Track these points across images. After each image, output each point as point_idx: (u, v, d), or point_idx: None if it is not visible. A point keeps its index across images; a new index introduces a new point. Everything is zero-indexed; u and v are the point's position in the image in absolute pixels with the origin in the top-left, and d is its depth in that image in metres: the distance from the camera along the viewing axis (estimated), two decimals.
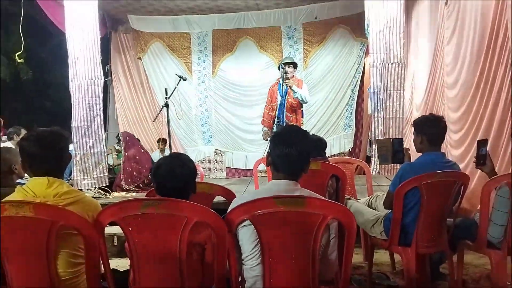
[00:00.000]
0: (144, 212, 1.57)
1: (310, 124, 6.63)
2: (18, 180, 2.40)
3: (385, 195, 2.86)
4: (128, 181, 5.21)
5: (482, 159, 2.57)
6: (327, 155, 5.31)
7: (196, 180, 1.91)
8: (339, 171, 2.85)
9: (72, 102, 4.72)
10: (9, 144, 5.18)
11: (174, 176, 1.75)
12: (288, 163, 1.69)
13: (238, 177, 7.18)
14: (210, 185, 2.35)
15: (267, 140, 5.09)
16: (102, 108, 4.85)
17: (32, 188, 1.74)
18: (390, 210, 2.61)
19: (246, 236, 1.65)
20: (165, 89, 4.80)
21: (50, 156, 1.78)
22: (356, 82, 6.89)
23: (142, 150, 5.42)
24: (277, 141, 1.73)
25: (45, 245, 1.62)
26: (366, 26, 4.95)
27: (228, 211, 1.66)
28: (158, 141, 6.96)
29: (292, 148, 1.67)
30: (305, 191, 1.68)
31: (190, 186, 1.81)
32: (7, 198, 1.73)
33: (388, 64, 4.30)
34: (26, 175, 2.32)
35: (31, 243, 1.65)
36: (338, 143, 6.94)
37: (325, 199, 1.66)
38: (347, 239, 1.63)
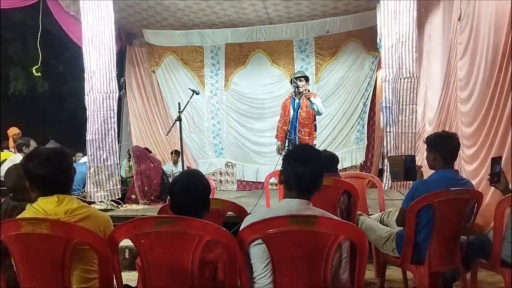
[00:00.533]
0: (157, 230, 1.59)
1: (321, 137, 6.63)
2: None
3: (397, 211, 2.85)
4: (141, 195, 5.27)
5: (496, 177, 2.55)
6: (338, 169, 5.31)
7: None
8: (351, 187, 2.85)
9: (87, 115, 4.81)
10: (19, 156, 5.25)
11: (189, 193, 1.78)
12: (301, 182, 1.71)
13: (249, 190, 7.20)
14: (223, 201, 2.38)
15: (280, 154, 5.10)
16: (116, 122, 4.93)
17: (42, 206, 1.76)
18: (403, 227, 2.59)
19: (258, 254, 1.66)
20: (178, 103, 4.86)
21: (58, 177, 1.80)
22: (368, 95, 6.89)
23: (152, 165, 5.48)
24: (290, 159, 1.75)
25: (60, 261, 1.65)
26: (378, 41, 4.98)
27: (240, 230, 1.67)
28: (172, 153, 7.03)
29: (305, 167, 1.69)
30: (317, 211, 1.69)
31: (204, 204, 1.83)
32: (19, 216, 1.76)
33: (401, 78, 4.31)
34: None
35: (47, 259, 1.68)
36: (349, 157, 6.92)
37: (337, 218, 1.66)
38: (359, 259, 1.62)
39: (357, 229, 1.63)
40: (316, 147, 5.40)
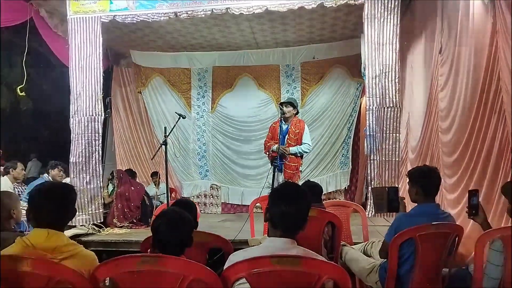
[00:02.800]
0: (140, 269, 1.58)
1: (306, 161, 6.65)
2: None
3: (380, 242, 2.88)
4: (120, 218, 5.21)
5: (474, 209, 2.60)
6: (324, 193, 5.31)
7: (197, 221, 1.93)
8: (335, 218, 2.88)
9: (71, 137, 4.78)
10: (6, 178, 5.17)
11: (173, 234, 1.78)
12: (286, 221, 1.72)
13: (234, 213, 7.15)
14: (207, 234, 2.37)
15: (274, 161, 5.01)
16: (100, 144, 4.90)
17: (31, 240, 1.76)
18: (386, 260, 2.62)
19: None
20: (165, 127, 4.85)
21: (55, 209, 1.83)
22: (353, 120, 6.98)
23: (132, 188, 5.43)
24: (276, 199, 1.76)
25: None
26: (362, 69, 5.09)
27: (224, 268, 1.67)
28: (151, 175, 6.97)
29: (290, 206, 1.71)
30: (301, 250, 1.70)
31: (187, 242, 1.83)
32: (6, 250, 1.73)
33: (384, 108, 4.39)
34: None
35: None
36: (334, 181, 6.97)
37: (320, 259, 1.68)
38: None
39: (340, 269, 1.64)
40: (302, 173, 5.46)
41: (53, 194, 1.85)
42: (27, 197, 5.02)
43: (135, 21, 4.84)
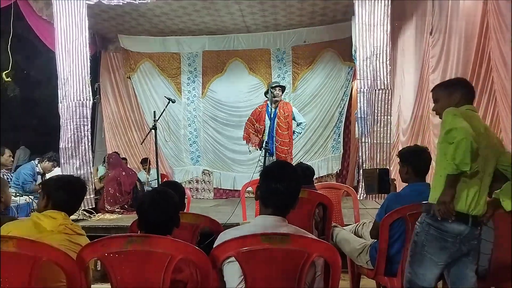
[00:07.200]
0: (127, 249, 1.55)
1: (298, 145, 6.66)
2: None
3: (371, 223, 2.88)
4: (111, 202, 5.17)
5: None
6: (315, 176, 5.31)
7: (184, 202, 1.92)
8: (326, 199, 2.87)
9: (60, 123, 4.69)
10: None
11: (158, 212, 1.76)
12: (277, 199, 1.70)
13: (226, 198, 7.15)
14: (197, 216, 2.35)
15: (261, 149, 5.00)
16: (90, 129, 4.82)
17: (46, 217, 1.92)
18: (376, 240, 2.62)
19: (231, 272, 1.64)
20: (154, 111, 4.79)
21: (71, 200, 2.06)
22: (344, 104, 6.97)
23: (124, 173, 5.38)
24: (267, 176, 1.74)
25: (28, 280, 1.60)
26: (353, 52, 5.05)
27: (213, 247, 1.65)
28: (141, 162, 6.92)
29: (281, 184, 1.68)
30: (291, 228, 1.69)
31: (173, 221, 1.81)
32: (16, 228, 1.86)
33: (375, 90, 4.36)
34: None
35: (14, 278, 1.62)
36: (326, 165, 6.98)
37: (310, 236, 1.66)
38: (332, 276, 1.63)
39: (330, 247, 1.63)
40: (293, 156, 5.46)
41: (72, 187, 2.07)
42: (15, 184, 4.99)
43: (121, 3, 4.73)
